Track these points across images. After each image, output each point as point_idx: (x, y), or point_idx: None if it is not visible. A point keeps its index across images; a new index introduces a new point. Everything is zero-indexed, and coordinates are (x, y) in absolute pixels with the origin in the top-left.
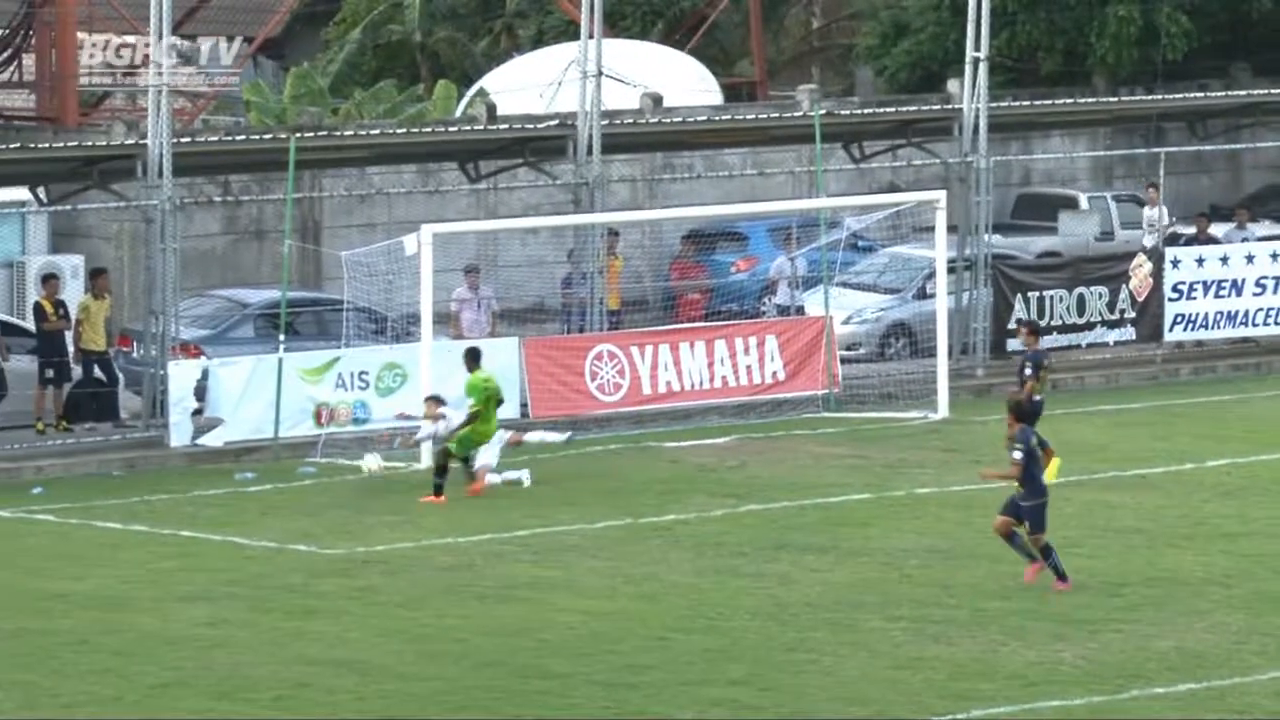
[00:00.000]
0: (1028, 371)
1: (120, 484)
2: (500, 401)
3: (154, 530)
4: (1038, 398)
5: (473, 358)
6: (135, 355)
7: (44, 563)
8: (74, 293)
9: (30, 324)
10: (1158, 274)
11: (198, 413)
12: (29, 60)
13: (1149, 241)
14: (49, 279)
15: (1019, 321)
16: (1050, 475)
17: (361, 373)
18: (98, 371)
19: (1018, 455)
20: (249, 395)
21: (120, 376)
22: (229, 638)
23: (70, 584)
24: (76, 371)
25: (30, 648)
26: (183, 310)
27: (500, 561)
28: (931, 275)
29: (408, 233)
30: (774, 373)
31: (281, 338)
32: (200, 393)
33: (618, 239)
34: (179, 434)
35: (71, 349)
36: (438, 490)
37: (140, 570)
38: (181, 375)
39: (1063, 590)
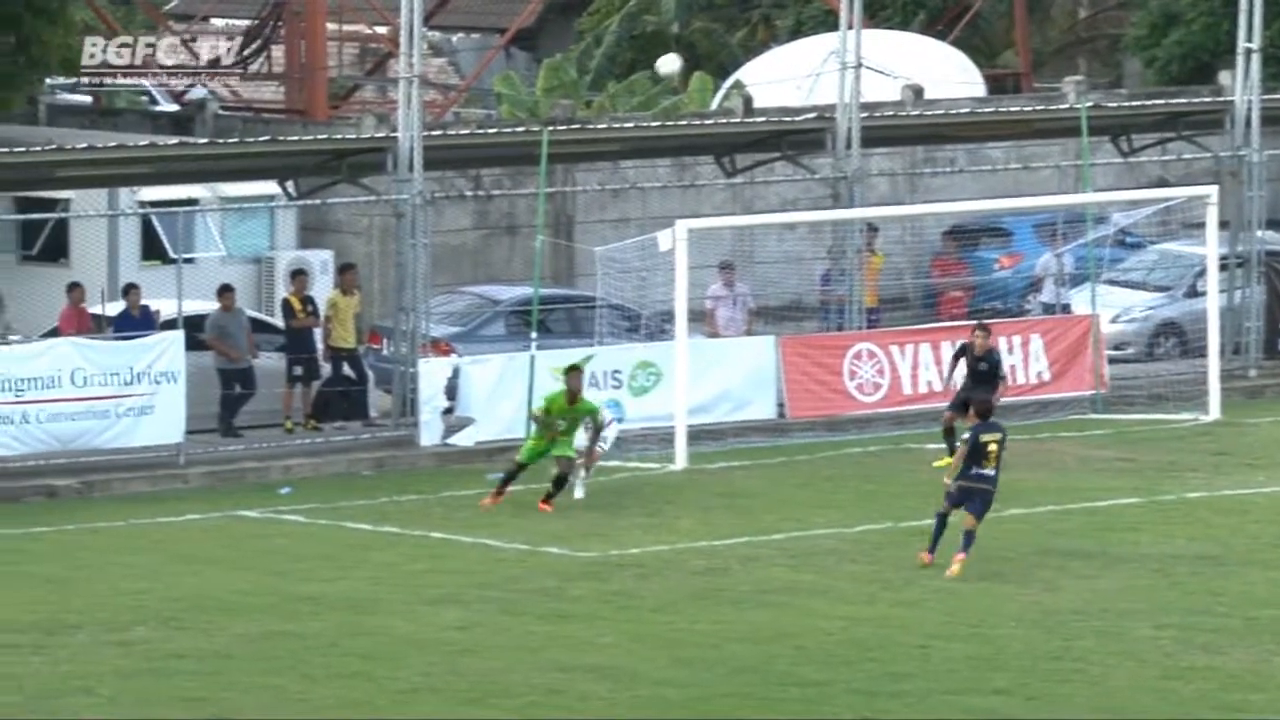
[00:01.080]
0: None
1: (369, 484)
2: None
3: (404, 531)
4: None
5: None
6: (385, 352)
7: (292, 564)
8: (323, 289)
9: (279, 321)
10: None
11: (448, 411)
12: (278, 52)
13: None
14: (297, 274)
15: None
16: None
17: (615, 371)
18: (347, 369)
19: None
20: (500, 394)
21: (369, 374)
22: (479, 642)
23: (320, 586)
24: (325, 369)
25: (279, 650)
26: (433, 307)
27: (756, 566)
28: (1202, 273)
29: (662, 228)
30: (1039, 373)
31: (533, 335)
32: (451, 391)
33: (877, 234)
34: (429, 433)
35: (320, 346)
36: (546, 497)
37: (390, 572)
38: (432, 373)
39: (927, 562)
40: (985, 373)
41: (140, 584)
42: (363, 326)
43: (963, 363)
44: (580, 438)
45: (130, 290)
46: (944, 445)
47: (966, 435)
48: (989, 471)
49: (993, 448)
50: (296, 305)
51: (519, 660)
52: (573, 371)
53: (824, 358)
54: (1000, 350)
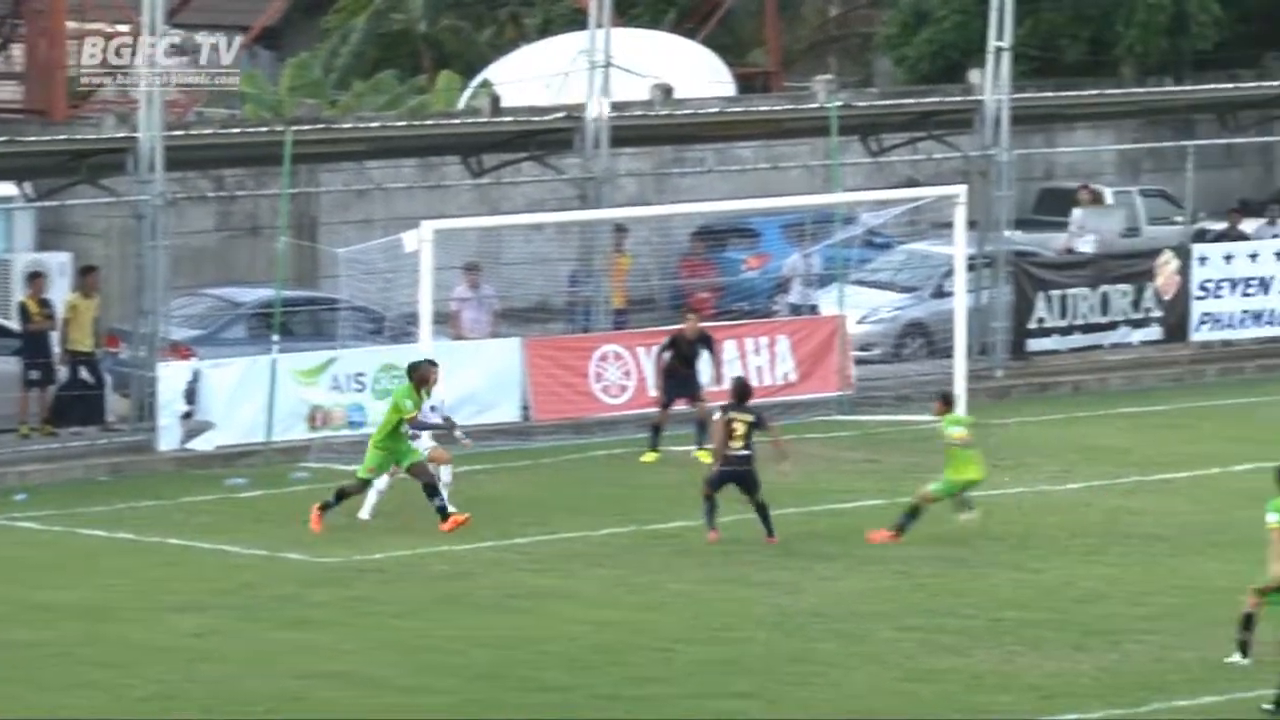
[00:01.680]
0: None
1: (107, 490)
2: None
3: (141, 538)
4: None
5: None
6: (124, 356)
7: (27, 572)
8: (61, 291)
9: (15, 324)
10: (1184, 271)
11: (187, 416)
12: (18, 50)
13: (1085, 245)
14: (35, 277)
15: None
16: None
17: (358, 374)
18: (84, 373)
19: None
20: (241, 398)
21: (108, 378)
22: (219, 649)
23: (54, 594)
24: (62, 373)
25: (13, 659)
26: (173, 310)
27: (500, 570)
28: (950, 273)
29: (407, 229)
30: (785, 374)
31: (275, 338)
32: (190, 395)
33: (626, 235)
34: (168, 438)
35: (57, 350)
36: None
37: (127, 580)
38: (171, 377)
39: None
40: (695, 356)
41: None
42: (101, 330)
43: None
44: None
45: None
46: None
47: (717, 416)
48: (742, 452)
49: (740, 428)
50: (33, 308)
51: (258, 668)
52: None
53: (570, 359)
54: (711, 336)
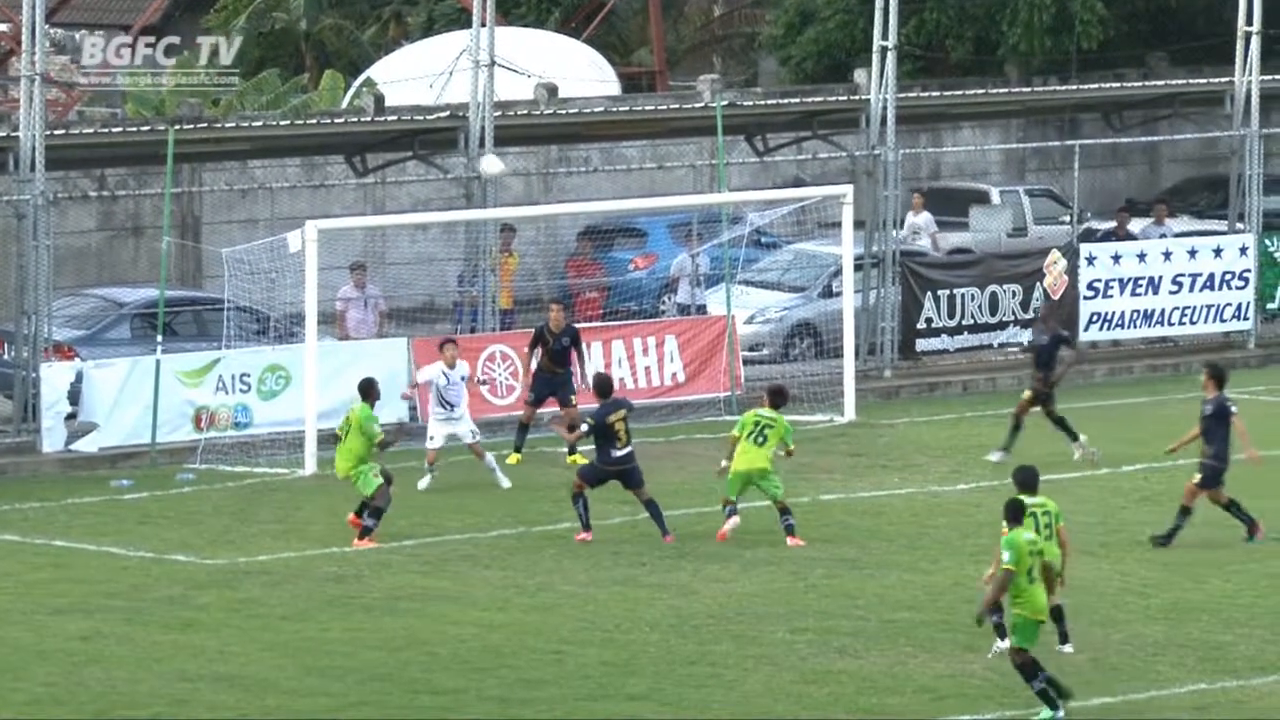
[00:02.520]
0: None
1: None
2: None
3: (25, 540)
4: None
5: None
6: (6, 357)
7: None
8: None
9: None
10: (1072, 271)
11: (71, 417)
12: None
13: (924, 242)
14: None
15: None
16: None
17: (243, 375)
18: None
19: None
20: (125, 399)
21: None
22: (104, 652)
23: None
24: None
25: None
26: (56, 310)
27: (388, 572)
28: (838, 273)
29: (291, 229)
30: (674, 374)
31: (159, 338)
32: (74, 396)
33: (513, 235)
34: (52, 439)
35: None
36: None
37: (11, 581)
38: (54, 378)
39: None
40: (563, 351)
41: None
42: None
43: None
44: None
45: None
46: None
47: (589, 420)
48: (624, 451)
49: (619, 426)
50: None
51: (145, 670)
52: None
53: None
54: (577, 331)
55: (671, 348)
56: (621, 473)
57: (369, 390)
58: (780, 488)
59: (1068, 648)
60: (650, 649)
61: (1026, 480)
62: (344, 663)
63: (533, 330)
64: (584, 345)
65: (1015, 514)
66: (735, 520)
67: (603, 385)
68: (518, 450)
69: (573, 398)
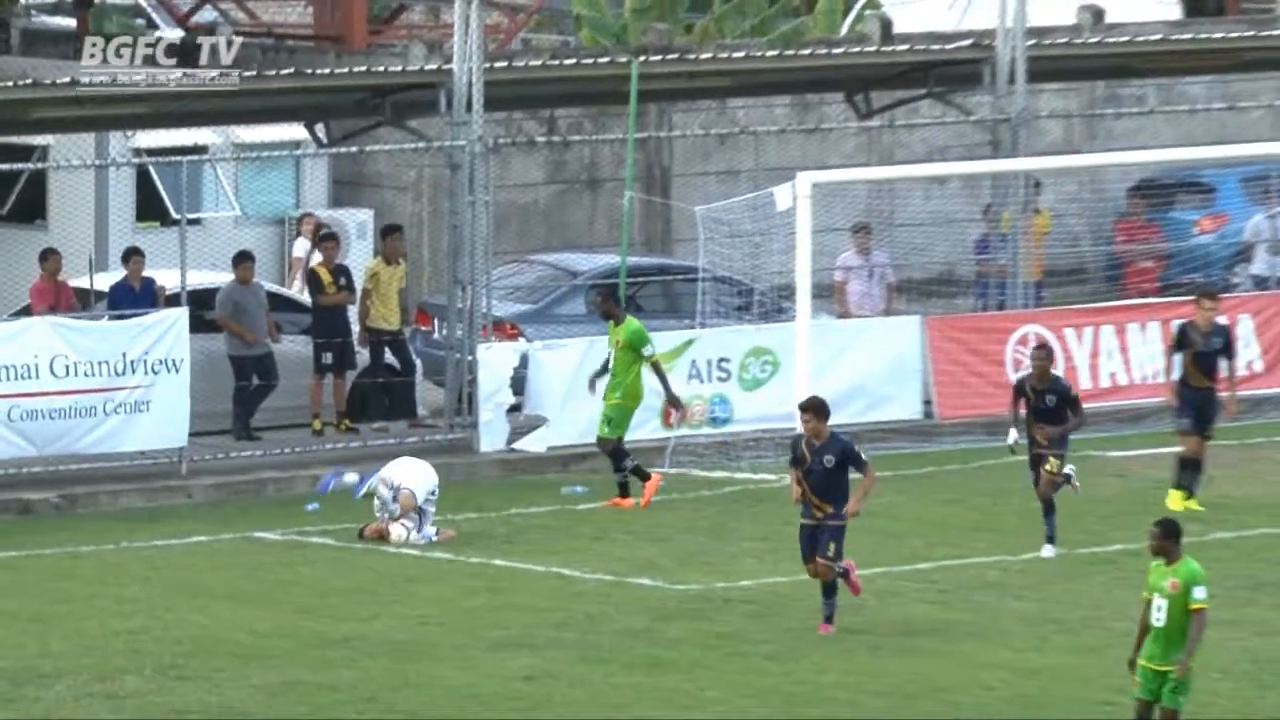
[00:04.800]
0: None
1: None
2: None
3: (458, 558)
4: None
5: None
6: (436, 336)
7: (321, 599)
8: (360, 257)
9: (305, 296)
10: None
11: (515, 410)
12: None
13: None
14: (327, 240)
15: None
16: None
17: (721, 360)
18: (389, 356)
19: None
20: (579, 387)
21: (417, 363)
22: (553, 696)
23: (354, 626)
24: (362, 357)
25: (304, 706)
26: (497, 280)
27: (897, 602)
28: None
29: (779, 182)
30: (1249, 362)
31: None
32: (519, 385)
33: (1043, 191)
34: (491, 437)
35: (356, 328)
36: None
37: (441, 609)
38: (494, 362)
39: None
40: (1216, 354)
41: (134, 622)
42: (409, 304)
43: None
44: None
45: (132, 256)
46: (1183, 482)
47: None
48: None
49: None
50: (326, 278)
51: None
52: None
53: (982, 343)
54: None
55: (1246, 329)
56: None
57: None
58: None
59: None
60: (1220, 700)
61: None
62: (843, 712)
63: (1176, 326)
64: (1234, 342)
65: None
66: None
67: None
68: (1186, 490)
69: (1212, 424)
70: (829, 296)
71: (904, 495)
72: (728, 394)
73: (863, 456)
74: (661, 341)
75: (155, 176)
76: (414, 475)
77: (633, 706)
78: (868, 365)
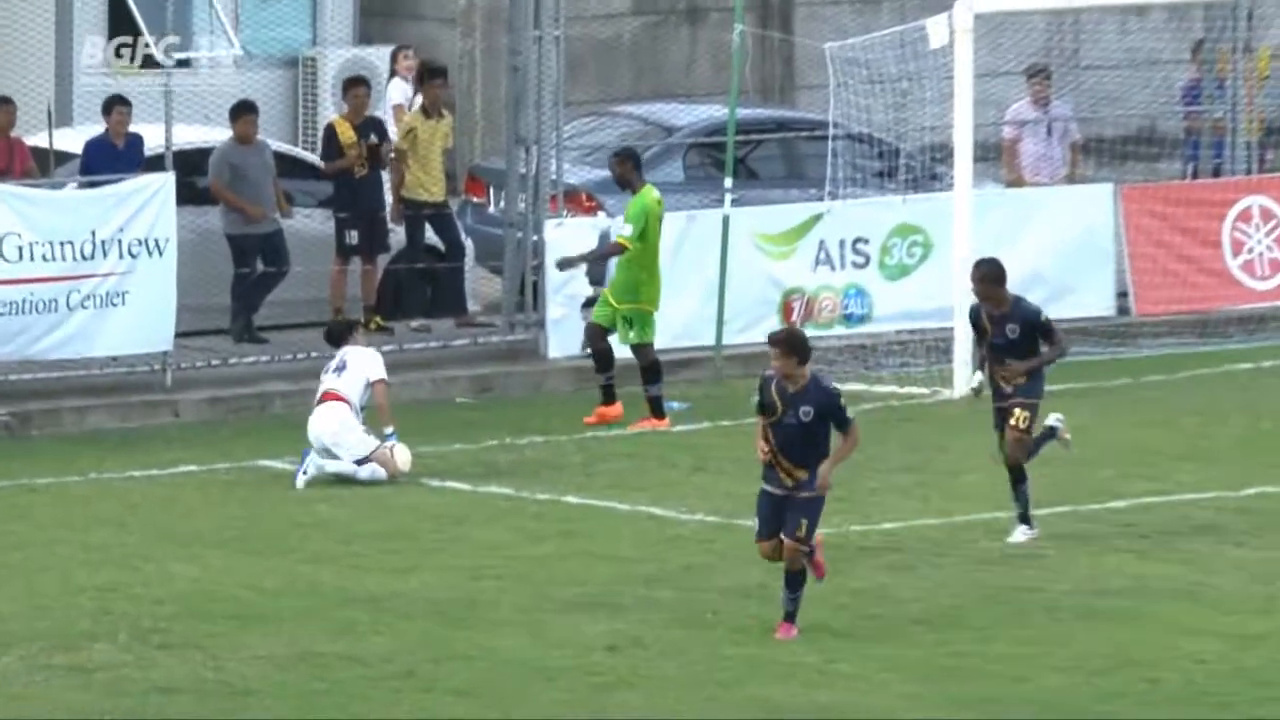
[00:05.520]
0: None
1: (467, 418)
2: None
3: (521, 495)
4: None
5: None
6: (492, 210)
7: (344, 546)
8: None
9: (320, 159)
10: None
11: (591, 304)
12: None
13: None
14: (353, 85)
15: None
16: None
17: (857, 241)
18: (431, 235)
19: None
20: (675, 276)
21: (467, 244)
22: (641, 670)
23: (388, 580)
24: (397, 236)
25: (324, 682)
26: (569, 137)
27: (1084, 550)
28: None
29: (934, 11)
30: None
31: (727, 182)
32: (598, 274)
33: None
34: (561, 338)
35: (389, 199)
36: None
37: (501, 559)
38: (567, 243)
39: None
40: None
41: (104, 575)
42: (456, 168)
43: None
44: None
45: (115, 106)
46: None
47: None
48: None
49: None
50: (347, 135)
51: (704, 700)
52: None
53: (1191, 219)
54: None
55: None
56: None
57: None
58: None
59: None
60: None
61: None
62: (1011, 692)
63: None
64: None
65: None
66: None
67: None
68: None
69: None
70: (996, 159)
71: (1093, 414)
72: (865, 284)
73: (848, 412)
74: (780, 217)
75: (132, 4)
76: (368, 364)
77: (743, 684)
78: (1046, 247)
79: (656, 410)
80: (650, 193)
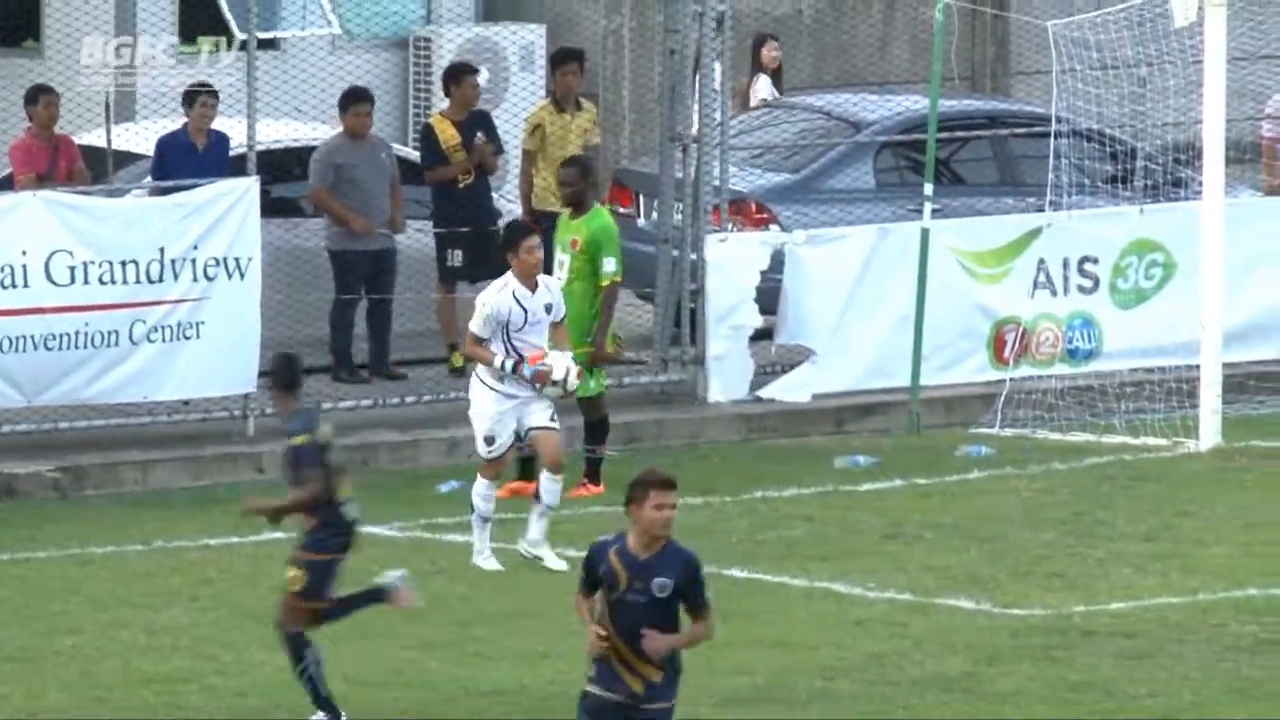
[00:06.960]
0: None
1: (611, 473)
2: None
3: (852, 591)
4: None
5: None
6: (641, 223)
7: (464, 630)
8: (523, 98)
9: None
10: None
11: (763, 336)
12: None
13: None
14: (460, 74)
15: None
16: None
17: (1084, 261)
18: None
19: None
20: (862, 302)
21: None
22: None
23: (514, 670)
24: None
25: None
26: (736, 135)
27: None
28: None
29: None
30: None
31: (928, 189)
32: (769, 298)
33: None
34: (725, 379)
35: (514, 208)
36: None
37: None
38: (733, 263)
39: None
40: None
41: (174, 663)
42: (599, 172)
43: None
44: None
45: (200, 97)
46: None
47: None
48: None
49: None
50: (449, 135)
51: None
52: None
53: None
54: None
55: None
56: None
57: None
58: None
59: None
60: None
61: None
62: None
63: None
64: None
65: None
66: None
67: None
68: None
69: None
70: (1255, 161)
71: None
72: (1094, 313)
73: (707, 590)
74: (990, 231)
75: None
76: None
77: None
78: None
79: (597, 474)
80: (608, 214)
